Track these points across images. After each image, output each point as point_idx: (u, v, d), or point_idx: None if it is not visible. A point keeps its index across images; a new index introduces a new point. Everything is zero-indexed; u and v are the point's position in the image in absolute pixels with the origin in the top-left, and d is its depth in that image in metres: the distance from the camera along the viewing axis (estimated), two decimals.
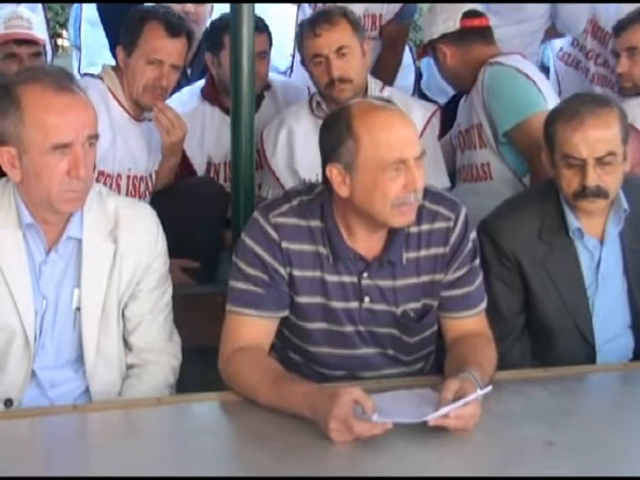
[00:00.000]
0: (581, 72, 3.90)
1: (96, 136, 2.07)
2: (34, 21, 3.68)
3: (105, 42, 3.85)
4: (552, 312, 2.44)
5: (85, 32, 4.19)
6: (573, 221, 2.42)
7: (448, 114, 3.46)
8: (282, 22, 3.97)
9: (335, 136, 2.06)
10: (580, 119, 2.34)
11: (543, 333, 2.47)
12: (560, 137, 2.38)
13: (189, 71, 3.90)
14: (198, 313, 2.55)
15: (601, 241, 2.44)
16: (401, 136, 2.02)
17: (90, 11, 4.12)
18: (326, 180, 2.09)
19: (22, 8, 3.71)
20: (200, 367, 2.27)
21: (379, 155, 2.01)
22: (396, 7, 3.79)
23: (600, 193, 2.35)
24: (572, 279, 2.44)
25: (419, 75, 4.05)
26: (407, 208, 2.05)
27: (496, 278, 2.43)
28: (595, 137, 2.33)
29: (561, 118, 2.40)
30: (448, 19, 3.20)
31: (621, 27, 3.32)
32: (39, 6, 4.03)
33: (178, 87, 3.44)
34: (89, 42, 4.16)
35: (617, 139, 2.35)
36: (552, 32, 3.93)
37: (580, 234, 2.43)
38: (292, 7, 4.03)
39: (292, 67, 3.93)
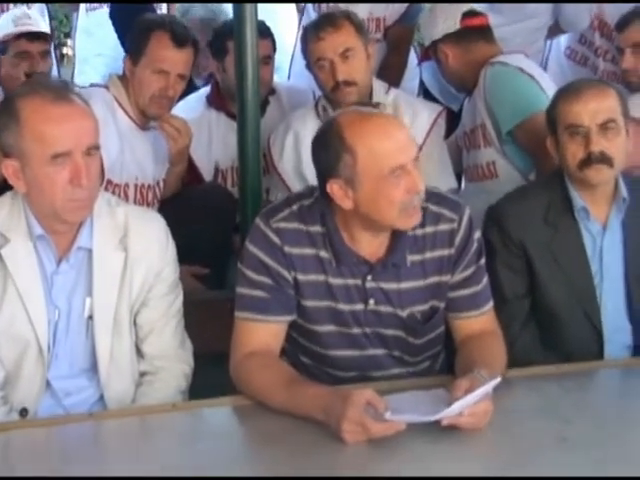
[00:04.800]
0: (589, 69, 3.89)
1: (96, 147, 2.08)
2: (41, 22, 3.75)
3: (96, 51, 3.89)
4: (559, 297, 2.47)
5: (79, 41, 4.22)
6: (578, 200, 2.45)
7: (454, 115, 3.47)
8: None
9: (330, 152, 2.04)
10: (579, 92, 2.45)
11: (550, 319, 2.49)
12: (561, 111, 2.47)
13: (200, 82, 3.91)
14: (209, 319, 2.56)
15: (604, 228, 2.47)
16: (396, 141, 2.02)
17: (85, 20, 4.16)
18: (325, 194, 2.08)
19: (29, 10, 3.78)
20: (212, 373, 2.28)
21: (378, 165, 2.00)
22: (400, 10, 3.79)
23: (605, 159, 2.40)
24: (577, 262, 2.46)
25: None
26: (413, 210, 2.06)
27: (501, 263, 2.46)
28: (595, 106, 2.42)
29: (561, 97, 2.51)
30: (448, 19, 3.21)
31: (624, 23, 3.33)
32: (45, 16, 4.07)
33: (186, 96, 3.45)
34: (80, 51, 4.20)
35: (617, 109, 2.43)
36: (556, 29, 3.93)
37: (586, 214, 2.45)
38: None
39: (289, 73, 3.94)
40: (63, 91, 2.08)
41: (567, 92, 2.50)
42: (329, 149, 2.05)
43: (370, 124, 2.04)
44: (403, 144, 2.03)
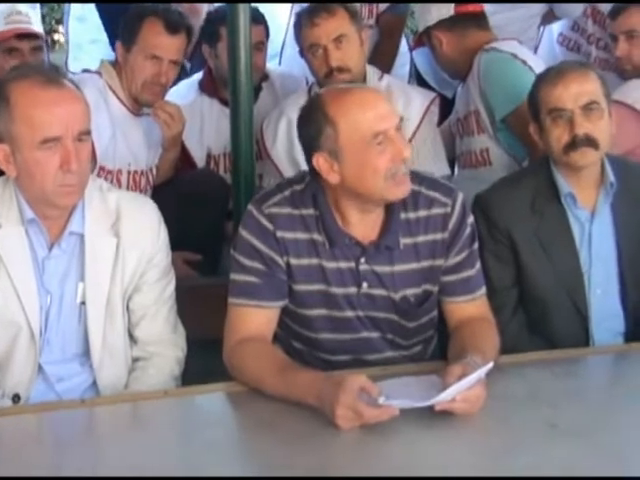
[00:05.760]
0: (583, 56, 3.89)
1: (87, 132, 2.07)
2: (32, 16, 3.70)
3: (90, 37, 3.86)
4: (546, 285, 2.46)
5: (72, 28, 4.19)
6: (564, 186, 2.44)
7: (448, 102, 3.47)
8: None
9: (313, 127, 2.07)
10: (560, 74, 2.44)
11: (537, 306, 2.49)
12: (543, 94, 2.46)
13: (188, 65, 3.90)
14: (201, 305, 2.55)
15: (592, 214, 2.46)
16: (376, 110, 2.04)
17: (77, 7, 4.12)
18: (314, 171, 2.10)
19: (20, 4, 3.73)
20: (205, 359, 2.28)
21: (359, 133, 2.03)
22: None
23: (590, 141, 2.39)
24: (565, 249, 2.46)
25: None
26: (400, 178, 2.06)
27: (488, 252, 2.44)
28: (577, 89, 2.41)
29: (542, 80, 2.50)
30: (442, 6, 3.20)
31: (617, 10, 3.31)
32: (36, 8, 4.04)
33: (178, 80, 3.44)
34: (74, 37, 4.16)
35: (599, 92, 2.42)
36: (550, 16, 3.92)
37: (572, 199, 2.45)
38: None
39: (280, 60, 3.93)
40: (54, 75, 2.07)
41: (547, 77, 2.48)
42: (311, 123, 2.08)
43: (350, 96, 2.07)
44: (384, 112, 2.05)
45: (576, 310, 2.47)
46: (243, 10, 2.69)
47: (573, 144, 2.39)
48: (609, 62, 3.63)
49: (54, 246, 2.13)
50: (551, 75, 2.47)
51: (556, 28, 4.01)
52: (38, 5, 4.03)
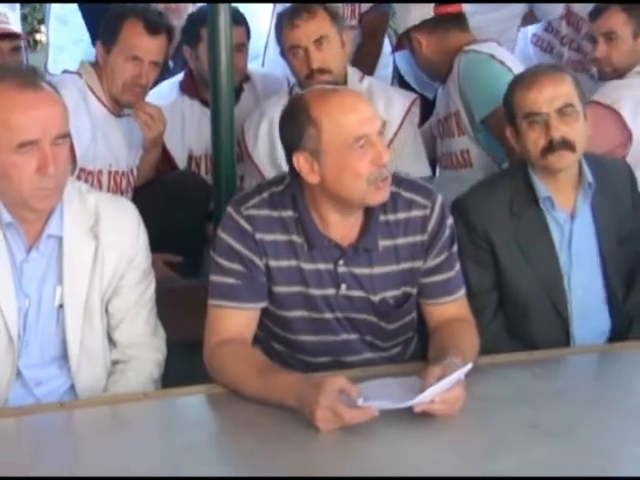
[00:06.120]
0: (555, 57, 3.91)
1: (65, 135, 2.05)
2: (11, 16, 3.70)
3: (73, 38, 3.86)
4: (526, 288, 2.46)
5: (53, 29, 4.18)
6: (542, 190, 2.45)
7: (429, 103, 3.47)
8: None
9: (295, 126, 2.07)
10: (534, 78, 2.46)
11: (517, 309, 2.49)
12: (518, 99, 2.47)
13: (171, 64, 3.89)
14: (182, 307, 2.55)
15: (572, 216, 2.47)
16: (359, 113, 2.05)
17: (58, 8, 4.11)
18: (293, 171, 2.10)
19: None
20: (185, 361, 2.28)
21: (342, 136, 2.03)
22: None
23: (566, 144, 2.40)
24: (544, 251, 2.46)
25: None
26: (382, 183, 2.07)
27: (467, 256, 2.43)
28: (551, 92, 2.42)
29: (516, 85, 2.51)
30: (422, 7, 3.20)
31: (597, 12, 3.32)
32: (16, 10, 4.02)
33: (162, 79, 3.43)
34: (55, 39, 4.15)
35: (573, 94, 2.43)
36: (531, 17, 3.94)
37: (550, 203, 2.45)
38: None
39: (263, 61, 3.93)
40: (31, 78, 2.04)
41: (522, 81, 2.49)
42: (294, 123, 2.07)
43: (334, 98, 2.07)
44: (367, 116, 2.06)
45: (556, 312, 2.48)
46: (224, 10, 2.69)
47: (550, 147, 2.40)
48: (582, 63, 3.65)
49: (32, 249, 2.11)
50: (525, 79, 2.48)
51: (530, 29, 4.02)
52: (17, 5, 4.02)
